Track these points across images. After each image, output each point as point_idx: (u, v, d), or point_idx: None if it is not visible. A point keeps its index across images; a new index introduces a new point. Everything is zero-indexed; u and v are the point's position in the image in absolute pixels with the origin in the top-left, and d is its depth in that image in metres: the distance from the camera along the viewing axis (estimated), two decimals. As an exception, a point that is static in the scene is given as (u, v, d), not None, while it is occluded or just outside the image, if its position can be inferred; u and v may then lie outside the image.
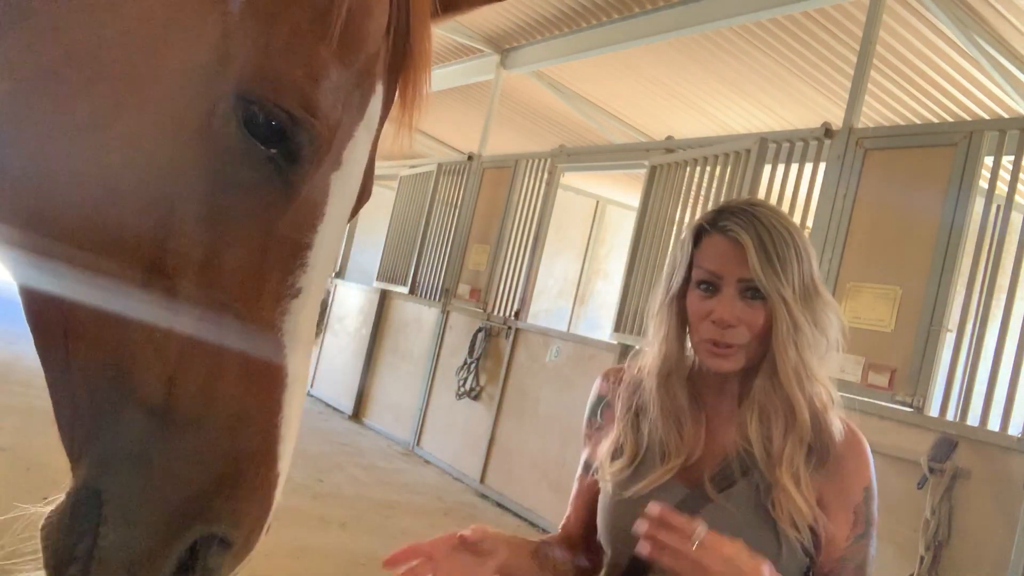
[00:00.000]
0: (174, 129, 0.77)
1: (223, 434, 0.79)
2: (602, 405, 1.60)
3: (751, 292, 1.35)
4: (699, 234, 1.43)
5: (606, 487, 1.48)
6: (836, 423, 1.39)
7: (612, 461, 1.48)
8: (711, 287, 1.38)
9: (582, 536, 1.57)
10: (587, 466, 1.58)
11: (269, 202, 0.81)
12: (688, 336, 1.46)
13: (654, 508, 1.18)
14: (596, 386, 1.64)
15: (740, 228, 1.36)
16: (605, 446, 1.52)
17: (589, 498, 1.55)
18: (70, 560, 0.78)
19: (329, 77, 0.82)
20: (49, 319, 0.80)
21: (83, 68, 0.76)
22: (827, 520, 1.35)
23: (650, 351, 1.51)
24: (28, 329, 0.84)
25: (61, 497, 0.82)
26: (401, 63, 0.93)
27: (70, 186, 0.77)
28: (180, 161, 0.77)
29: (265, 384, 0.82)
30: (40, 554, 0.83)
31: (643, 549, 1.18)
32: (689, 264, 1.43)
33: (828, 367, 1.42)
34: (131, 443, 0.78)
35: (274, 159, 0.80)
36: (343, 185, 0.88)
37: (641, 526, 1.18)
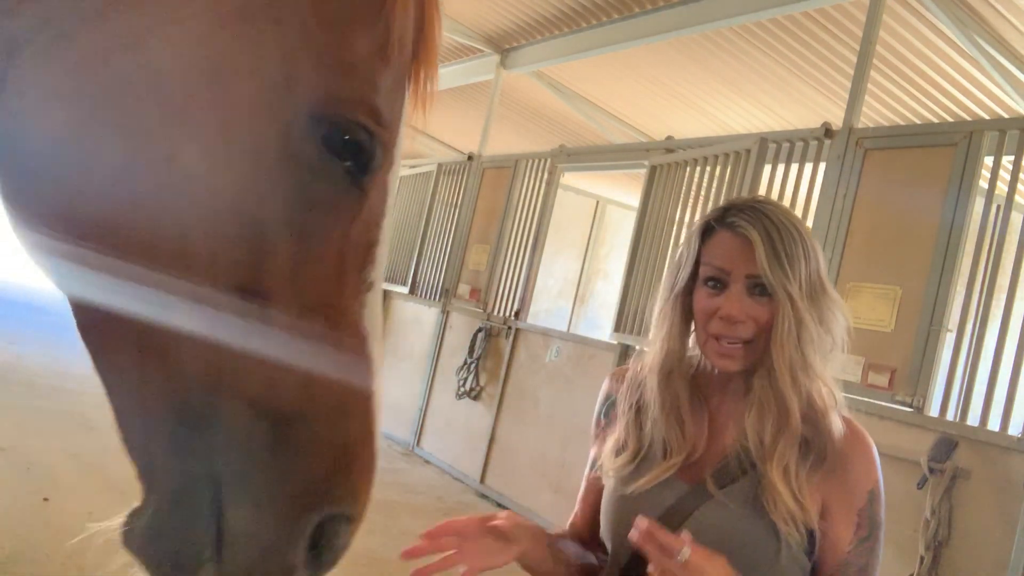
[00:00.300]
0: (252, 155, 0.80)
1: (330, 426, 0.86)
2: (608, 404, 1.63)
3: (759, 288, 1.35)
4: (706, 231, 1.43)
5: (608, 483, 1.50)
6: (837, 423, 1.37)
7: (615, 458, 1.50)
8: (718, 283, 1.38)
9: (589, 534, 1.58)
10: (594, 465, 1.60)
11: (346, 210, 0.87)
12: (692, 333, 1.46)
13: (642, 522, 1.20)
14: (604, 386, 1.67)
15: (748, 224, 1.36)
16: (609, 444, 1.54)
17: (596, 496, 1.56)
18: (201, 548, 0.81)
19: (386, 86, 0.88)
20: (119, 337, 0.82)
21: (141, 98, 0.77)
22: (829, 522, 1.34)
23: (652, 349, 1.51)
24: (86, 347, 0.85)
25: (134, 505, 0.87)
26: (417, 59, 0.96)
27: (154, 220, 0.78)
28: (262, 184, 0.81)
29: (357, 371, 0.90)
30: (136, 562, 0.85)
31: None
32: (696, 261, 1.43)
33: (833, 366, 1.42)
34: (244, 439, 0.82)
35: (349, 170, 0.85)
36: (394, 181, 0.94)
37: (633, 536, 1.20)
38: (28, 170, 0.81)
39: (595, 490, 1.58)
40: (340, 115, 0.83)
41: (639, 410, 1.51)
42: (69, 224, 0.80)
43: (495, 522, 1.37)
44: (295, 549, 0.84)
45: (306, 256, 0.84)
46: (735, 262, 1.37)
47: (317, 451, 0.85)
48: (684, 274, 1.44)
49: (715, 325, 1.37)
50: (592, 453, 1.63)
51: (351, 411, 0.89)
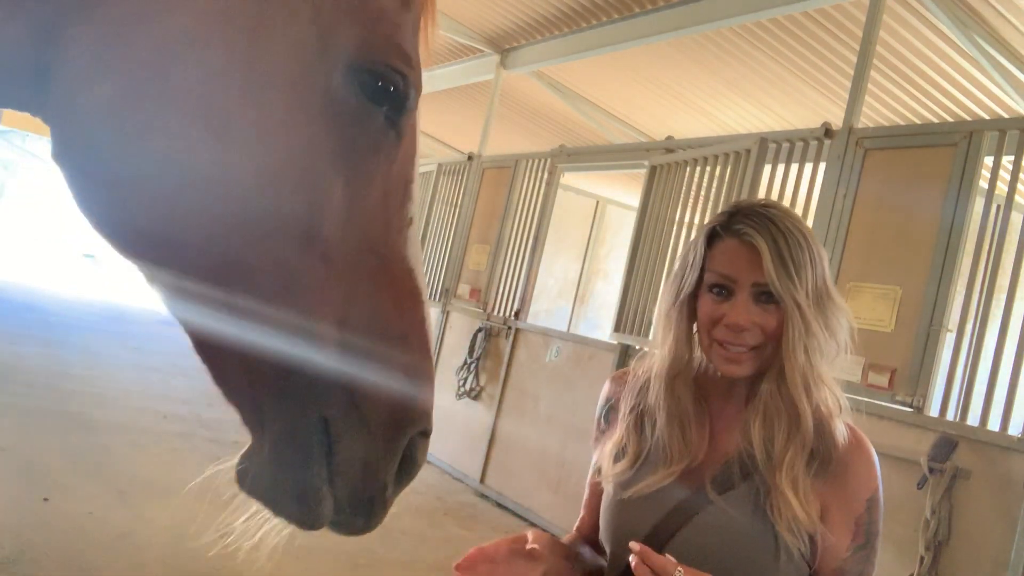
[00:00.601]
0: (298, 109, 0.85)
1: (398, 354, 0.95)
2: (608, 407, 1.62)
3: (765, 296, 1.35)
4: (712, 237, 1.42)
5: (607, 488, 1.49)
6: (840, 429, 1.38)
7: (614, 463, 1.49)
8: (724, 291, 1.37)
9: (595, 537, 1.58)
10: (597, 468, 1.59)
11: (386, 151, 0.93)
12: (697, 339, 1.45)
13: (634, 546, 1.23)
14: (604, 389, 1.65)
15: (755, 231, 1.35)
16: (608, 447, 1.54)
17: (599, 500, 1.56)
18: (319, 478, 0.90)
19: (411, 29, 0.95)
20: (215, 305, 0.89)
21: (185, 65, 0.81)
22: (827, 529, 1.34)
23: (657, 353, 1.49)
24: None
25: (244, 448, 0.95)
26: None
27: (214, 182, 0.83)
28: (312, 136, 0.86)
29: (411, 301, 0.96)
30: (247, 500, 0.95)
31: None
32: (702, 267, 1.41)
33: (836, 371, 1.42)
34: (337, 376, 0.90)
35: (387, 114, 0.91)
36: (418, 119, 1.00)
37: (631, 560, 1.22)
38: (91, 162, 0.85)
39: (597, 494, 1.58)
40: (376, 62, 0.89)
41: (641, 414, 1.50)
42: (136, 204, 0.85)
43: (532, 548, 1.36)
44: (391, 468, 0.95)
45: (357, 200, 0.90)
46: (741, 270, 1.35)
47: (393, 378, 0.94)
48: (689, 279, 1.42)
49: (721, 332, 1.36)
50: (594, 457, 1.62)
51: (411, 338, 0.96)
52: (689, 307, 1.44)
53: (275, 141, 0.84)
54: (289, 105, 0.85)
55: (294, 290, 0.87)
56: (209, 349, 0.93)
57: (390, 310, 0.93)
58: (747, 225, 1.36)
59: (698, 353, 1.47)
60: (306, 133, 0.86)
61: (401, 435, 0.95)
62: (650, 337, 1.64)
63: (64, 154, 0.87)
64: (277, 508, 0.92)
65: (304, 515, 0.91)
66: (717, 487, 1.37)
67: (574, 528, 1.65)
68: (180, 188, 0.83)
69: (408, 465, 0.98)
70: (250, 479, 0.93)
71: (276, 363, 0.89)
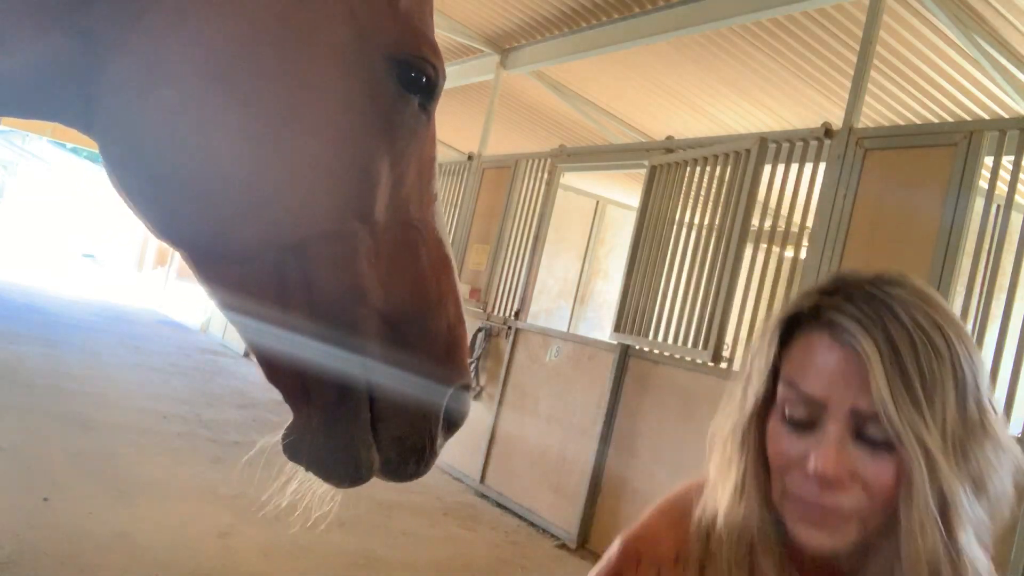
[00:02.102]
0: (345, 101, 0.94)
1: (435, 318, 1.03)
2: None
3: (872, 431, 0.85)
4: (791, 326, 0.94)
5: None
6: None
7: None
8: (807, 419, 0.89)
9: None
10: None
11: (421, 134, 1.03)
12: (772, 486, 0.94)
13: None
14: (613, 558, 1.08)
15: (860, 327, 0.86)
16: None
17: None
18: (363, 443, 0.98)
19: (430, 20, 1.05)
20: (261, 280, 0.96)
21: (243, 71, 0.89)
22: None
23: (717, 501, 0.99)
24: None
25: (284, 426, 1.02)
26: None
27: (277, 171, 0.91)
28: (359, 124, 0.95)
29: (445, 269, 1.05)
30: (297, 470, 1.03)
31: None
32: (774, 373, 0.94)
33: (991, 548, 0.91)
34: (380, 345, 0.99)
35: (420, 100, 1.01)
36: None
37: None
38: (158, 165, 0.91)
39: None
40: (410, 54, 0.99)
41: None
42: (204, 200, 0.92)
43: None
44: (438, 421, 1.03)
45: (399, 179, 1.00)
46: (835, 387, 0.86)
47: (433, 340, 1.03)
48: (757, 392, 0.95)
49: (797, 481, 0.88)
50: None
51: (446, 301, 1.05)
52: (758, 434, 0.95)
53: (328, 130, 0.93)
54: (337, 97, 0.93)
55: (350, 263, 0.96)
56: (260, 331, 0.98)
57: (428, 277, 1.02)
58: (848, 315, 0.87)
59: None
60: (355, 122, 0.95)
61: (443, 391, 1.04)
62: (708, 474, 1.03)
63: (125, 162, 0.93)
64: (328, 473, 0.99)
65: (351, 475, 0.99)
66: None
67: None
68: (245, 182, 0.91)
69: (454, 415, 1.06)
70: (301, 449, 0.99)
71: (327, 334, 0.96)
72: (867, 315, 0.86)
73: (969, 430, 0.85)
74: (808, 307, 0.92)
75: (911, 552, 0.84)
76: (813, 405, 0.88)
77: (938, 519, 0.83)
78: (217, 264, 0.96)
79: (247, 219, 0.92)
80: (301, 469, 1.01)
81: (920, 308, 0.87)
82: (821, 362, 0.88)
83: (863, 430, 0.86)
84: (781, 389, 0.92)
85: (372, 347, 0.98)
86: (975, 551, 0.87)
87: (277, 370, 1.01)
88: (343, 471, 0.98)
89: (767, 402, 0.94)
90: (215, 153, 0.89)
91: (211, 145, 0.89)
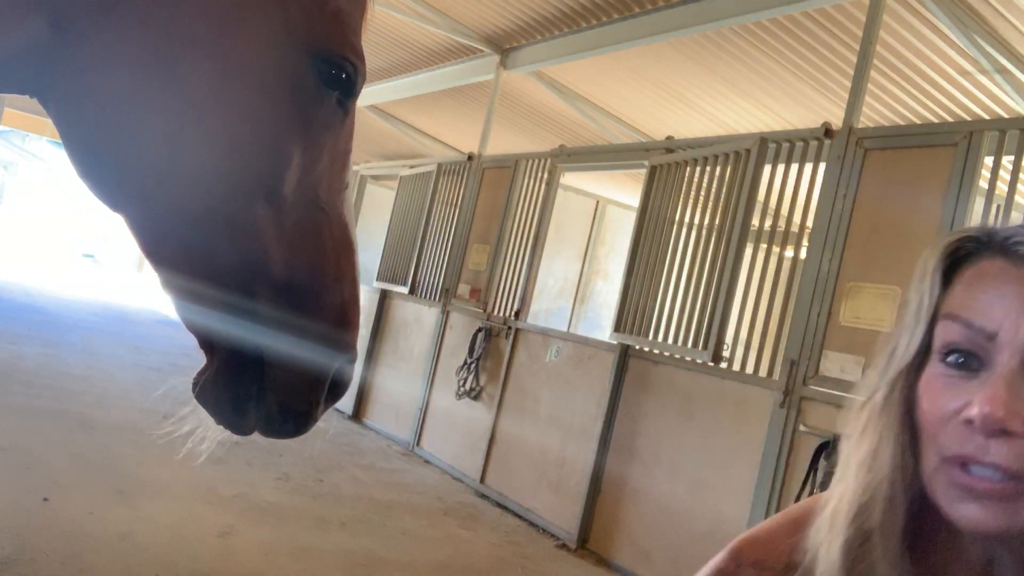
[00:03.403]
0: (269, 90, 1.04)
1: (331, 293, 1.12)
2: None
3: None
4: (958, 259, 0.78)
5: None
6: None
7: None
8: (971, 357, 0.73)
9: None
10: None
11: (335, 127, 1.12)
12: (919, 457, 0.76)
13: None
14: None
15: None
16: None
17: None
18: (248, 395, 1.11)
19: (359, 27, 1.14)
20: (174, 245, 1.07)
21: (182, 55, 0.99)
22: None
23: (839, 488, 0.81)
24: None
25: (198, 368, 1.14)
26: None
27: (201, 144, 1.01)
28: (279, 111, 1.05)
29: (346, 251, 1.14)
30: (199, 407, 1.15)
31: None
32: (933, 315, 0.77)
33: None
34: (275, 313, 1.08)
35: (338, 97, 1.10)
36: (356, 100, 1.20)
37: None
38: (102, 134, 1.02)
39: None
40: (332, 54, 1.07)
41: None
42: (136, 166, 1.02)
43: None
44: (322, 391, 1.14)
45: (309, 165, 1.09)
46: (1009, 315, 0.71)
47: (326, 313, 1.12)
48: (909, 341, 0.78)
49: (957, 438, 0.70)
50: None
51: (343, 279, 1.14)
52: (906, 393, 0.78)
53: (250, 116, 1.03)
54: (258, 85, 1.03)
55: (255, 236, 1.06)
56: (175, 285, 1.10)
57: (328, 255, 1.12)
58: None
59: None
60: (272, 109, 1.04)
61: (330, 363, 1.14)
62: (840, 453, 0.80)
63: (74, 128, 1.04)
64: (218, 418, 1.13)
65: (235, 423, 1.13)
66: None
67: None
68: (168, 155, 1.01)
69: (336, 387, 1.17)
70: (199, 391, 1.13)
71: (228, 297, 1.07)
72: None
73: None
74: (981, 235, 0.77)
75: None
76: (982, 339, 0.71)
77: None
78: (142, 230, 1.08)
79: (165, 187, 1.02)
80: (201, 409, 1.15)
81: None
82: (994, 288, 0.72)
83: None
84: (940, 330, 0.75)
85: (268, 314, 1.09)
86: None
87: (189, 324, 1.13)
88: (230, 419, 1.12)
89: (921, 356, 0.76)
90: (148, 128, 1.00)
91: (146, 121, 1.00)
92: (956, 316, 0.74)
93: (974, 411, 0.68)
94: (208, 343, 1.13)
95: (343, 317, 1.14)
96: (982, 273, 0.75)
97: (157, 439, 1.25)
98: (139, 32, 0.98)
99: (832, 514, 0.79)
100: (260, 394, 1.11)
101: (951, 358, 0.74)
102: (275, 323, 1.09)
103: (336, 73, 1.08)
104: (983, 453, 0.68)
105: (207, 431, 1.21)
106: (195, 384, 1.14)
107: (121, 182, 1.05)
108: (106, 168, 1.04)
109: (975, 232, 0.78)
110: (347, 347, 1.15)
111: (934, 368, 0.75)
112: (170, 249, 1.07)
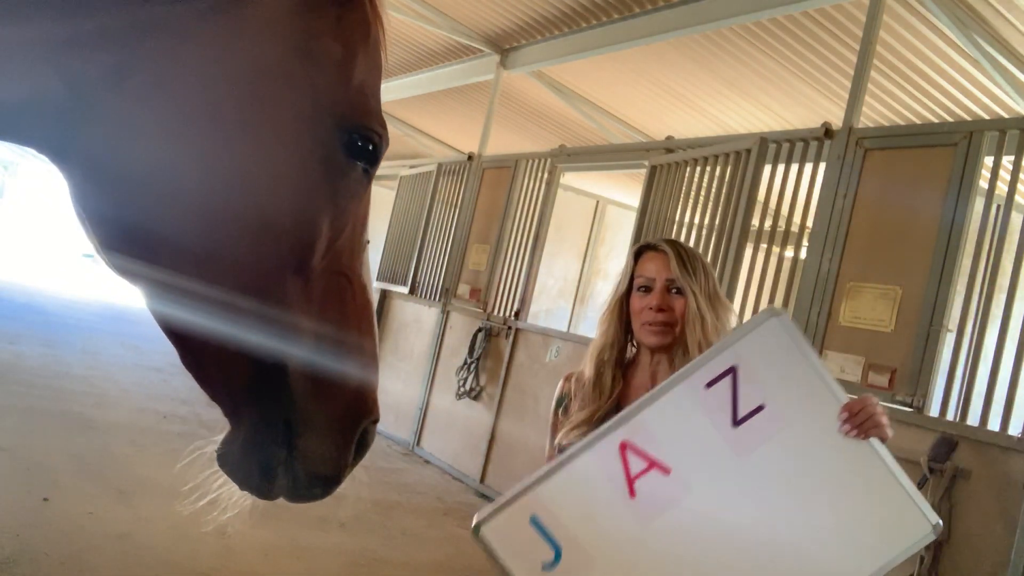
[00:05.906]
0: (300, 162, 1.04)
1: (356, 354, 1.14)
2: (564, 402, 2.16)
3: (675, 289, 1.97)
4: (638, 254, 2.07)
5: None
6: None
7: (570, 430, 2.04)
8: (648, 289, 2.00)
9: None
10: (557, 447, 2.09)
11: (361, 195, 1.14)
12: (627, 327, 2.06)
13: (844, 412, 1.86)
14: (559, 387, 2.20)
15: (666, 244, 2.03)
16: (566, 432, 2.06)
17: None
18: (277, 462, 1.11)
19: (379, 89, 1.16)
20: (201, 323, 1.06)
21: (211, 134, 0.99)
22: None
23: (592, 345, 2.10)
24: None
25: (221, 436, 1.15)
26: None
27: (235, 211, 1.01)
28: (310, 183, 1.05)
29: (366, 314, 1.16)
30: (223, 477, 1.15)
31: None
32: (631, 276, 2.05)
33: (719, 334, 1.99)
34: (302, 384, 1.09)
35: (363, 167, 1.11)
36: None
37: None
38: (125, 176, 0.99)
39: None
40: (359, 126, 1.09)
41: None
42: (162, 244, 1.01)
43: None
44: (350, 453, 1.15)
45: (335, 233, 1.10)
46: (658, 271, 1.99)
47: (350, 378, 1.13)
48: (623, 286, 2.07)
49: (647, 315, 1.98)
50: (553, 437, 2.19)
51: (363, 343, 1.16)
52: (622, 306, 2.05)
53: (281, 192, 1.03)
54: (292, 161, 1.03)
55: (286, 308, 1.06)
56: (195, 356, 1.12)
57: (351, 322, 1.13)
58: (659, 242, 2.05)
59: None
60: (305, 185, 1.05)
61: (357, 426, 1.16)
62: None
63: (97, 203, 1.02)
64: (244, 484, 1.13)
65: (263, 490, 1.13)
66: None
67: None
68: (202, 232, 1.01)
69: (361, 448, 1.19)
70: (226, 459, 1.13)
71: (258, 367, 1.07)
72: (666, 242, 2.05)
73: (710, 292, 1.99)
74: (644, 244, 2.07)
75: (691, 338, 1.93)
76: (650, 280, 2.00)
77: (702, 323, 1.93)
78: (163, 302, 1.07)
79: (200, 266, 1.01)
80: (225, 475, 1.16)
81: (687, 245, 2.09)
82: (651, 261, 2.03)
83: (669, 288, 1.98)
84: (637, 280, 2.03)
85: (295, 381, 1.09)
86: (714, 337, 1.90)
87: (215, 393, 1.13)
88: (258, 486, 1.13)
89: (628, 291, 2.05)
90: (177, 203, 0.99)
91: (175, 196, 0.99)
92: (642, 275, 2.03)
93: (653, 303, 1.98)
94: (235, 411, 1.13)
95: (365, 380, 1.15)
96: (648, 257, 2.05)
97: (182, 509, 1.28)
98: (162, 104, 0.97)
99: (589, 355, 2.09)
100: (288, 461, 1.12)
101: (641, 290, 2.02)
102: (302, 392, 1.09)
103: (363, 145, 1.09)
104: (654, 318, 1.98)
105: (231, 498, 1.22)
106: (221, 452, 1.14)
107: (151, 259, 1.02)
108: (134, 245, 1.02)
109: (648, 241, 2.09)
110: (371, 409, 1.17)
111: (635, 293, 2.03)
112: (198, 324, 1.06)
